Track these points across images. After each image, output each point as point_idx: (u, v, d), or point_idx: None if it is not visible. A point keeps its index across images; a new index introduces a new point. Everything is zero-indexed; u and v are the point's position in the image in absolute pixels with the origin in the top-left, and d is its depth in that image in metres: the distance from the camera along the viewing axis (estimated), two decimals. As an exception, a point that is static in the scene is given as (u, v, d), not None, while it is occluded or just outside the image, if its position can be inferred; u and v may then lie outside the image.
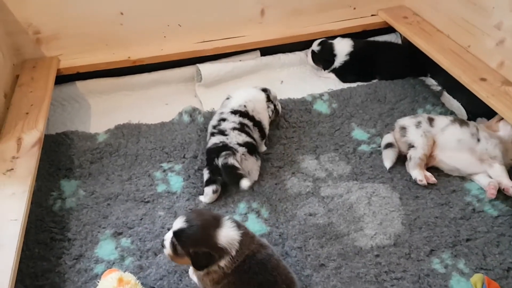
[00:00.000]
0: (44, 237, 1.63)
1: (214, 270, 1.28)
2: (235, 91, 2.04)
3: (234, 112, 1.91)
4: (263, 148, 2.00)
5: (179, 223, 1.30)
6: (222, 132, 1.84)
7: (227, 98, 2.02)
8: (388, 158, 1.89)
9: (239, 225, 1.33)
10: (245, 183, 1.69)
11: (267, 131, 1.99)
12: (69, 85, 2.34)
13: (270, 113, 2.02)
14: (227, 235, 1.28)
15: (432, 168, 1.88)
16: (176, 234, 1.29)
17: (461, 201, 1.74)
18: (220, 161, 1.74)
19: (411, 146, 1.88)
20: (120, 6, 2.24)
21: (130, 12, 2.27)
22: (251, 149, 1.82)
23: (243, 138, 1.82)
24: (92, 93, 2.37)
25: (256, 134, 1.90)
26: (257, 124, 1.92)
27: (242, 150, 1.79)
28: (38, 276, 1.51)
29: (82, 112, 2.29)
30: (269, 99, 2.04)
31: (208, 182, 1.77)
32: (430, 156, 1.86)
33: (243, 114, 1.90)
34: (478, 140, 1.81)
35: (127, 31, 2.32)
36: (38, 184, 1.79)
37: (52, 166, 1.91)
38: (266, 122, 1.98)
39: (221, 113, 1.93)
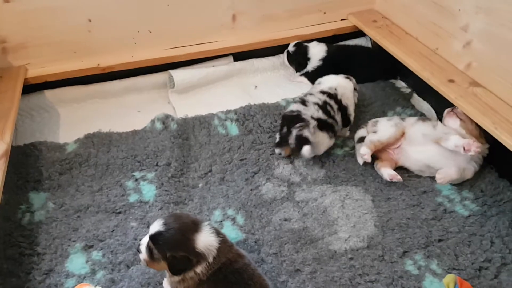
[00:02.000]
0: (12, 252, 1.58)
1: (190, 276, 1.26)
2: (326, 77, 2.17)
3: (323, 92, 2.04)
4: (346, 133, 2.13)
5: (156, 226, 1.27)
6: (303, 102, 2.00)
7: (319, 83, 2.16)
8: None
9: (218, 232, 1.31)
10: (306, 149, 1.84)
11: (352, 118, 2.11)
12: (38, 94, 2.28)
13: (356, 100, 2.16)
14: (206, 240, 1.27)
15: (402, 169, 1.90)
16: (153, 237, 1.27)
17: (432, 202, 1.76)
18: (295, 132, 1.88)
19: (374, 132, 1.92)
20: (87, 13, 2.20)
21: (98, 19, 2.23)
22: (325, 126, 1.93)
23: (320, 114, 1.94)
24: (62, 102, 2.32)
25: (338, 117, 2.01)
26: (343, 109, 2.04)
27: (313, 123, 1.90)
28: (6, 293, 1.46)
29: (52, 121, 2.24)
30: (355, 88, 2.17)
31: (277, 145, 1.98)
32: (397, 148, 1.90)
33: (331, 95, 2.03)
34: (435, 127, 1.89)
35: (95, 38, 2.28)
36: (6, 198, 1.74)
37: (20, 178, 1.86)
38: (351, 109, 2.10)
39: (311, 93, 2.07)
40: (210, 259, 1.25)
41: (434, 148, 1.83)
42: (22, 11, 2.10)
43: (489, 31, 1.83)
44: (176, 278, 1.28)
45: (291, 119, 1.94)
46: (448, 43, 2.05)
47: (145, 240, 1.30)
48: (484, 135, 1.84)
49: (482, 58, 1.89)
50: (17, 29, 2.15)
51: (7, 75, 2.17)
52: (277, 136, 2.01)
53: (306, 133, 1.87)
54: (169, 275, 1.31)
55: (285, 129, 1.94)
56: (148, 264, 1.32)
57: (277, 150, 2.00)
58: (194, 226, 1.28)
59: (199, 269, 1.25)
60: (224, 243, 1.30)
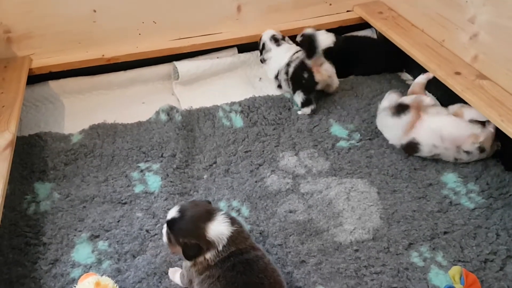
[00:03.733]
0: (18, 242, 1.58)
1: (199, 261, 1.29)
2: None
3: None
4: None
5: (172, 213, 1.32)
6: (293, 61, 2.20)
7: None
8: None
9: (233, 222, 1.32)
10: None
11: None
12: (42, 85, 2.28)
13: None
14: (217, 229, 1.28)
15: (412, 159, 1.90)
16: (169, 223, 1.32)
17: (438, 194, 1.76)
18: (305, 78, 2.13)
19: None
20: (93, 4, 2.19)
21: (103, 9, 2.22)
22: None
23: None
24: (66, 92, 2.31)
25: None
26: None
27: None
28: (13, 282, 1.46)
29: (56, 112, 2.24)
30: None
31: (304, 104, 2.14)
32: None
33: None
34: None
35: (100, 29, 2.27)
36: (11, 188, 1.74)
37: (25, 168, 1.86)
38: None
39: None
40: (220, 247, 1.27)
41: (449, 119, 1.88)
42: (27, 1, 2.09)
43: (496, 23, 1.81)
44: (189, 262, 1.32)
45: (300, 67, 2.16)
46: (454, 35, 2.04)
47: (165, 225, 1.36)
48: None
49: (489, 51, 1.87)
50: (22, 19, 2.14)
51: (11, 65, 2.17)
52: (299, 95, 2.16)
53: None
54: (183, 259, 1.33)
55: (304, 77, 2.14)
56: (169, 247, 1.39)
57: (305, 110, 2.16)
58: (207, 215, 1.31)
59: (208, 255, 1.28)
60: (238, 233, 1.31)
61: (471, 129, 1.81)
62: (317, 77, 2.13)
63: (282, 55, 2.30)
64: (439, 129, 1.84)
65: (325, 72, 2.15)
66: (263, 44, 2.38)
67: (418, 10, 2.27)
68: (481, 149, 1.82)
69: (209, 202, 1.42)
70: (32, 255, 1.55)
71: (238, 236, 1.30)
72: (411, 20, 2.35)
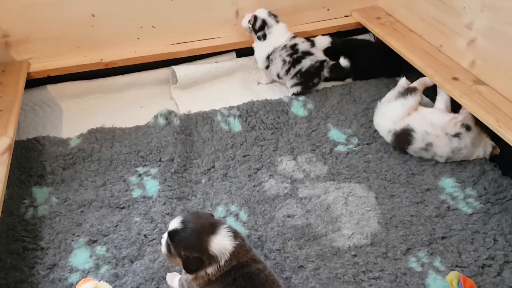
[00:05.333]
0: (16, 247, 1.58)
1: (201, 275, 1.27)
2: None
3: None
4: None
5: (174, 224, 1.29)
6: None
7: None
8: None
9: (236, 236, 1.31)
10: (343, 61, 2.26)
11: None
12: (40, 89, 2.28)
13: None
14: (220, 243, 1.26)
15: (410, 163, 1.90)
16: (170, 234, 1.28)
17: (436, 199, 1.76)
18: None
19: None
20: (91, 8, 2.20)
21: (102, 13, 2.23)
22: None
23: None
24: (64, 97, 2.31)
25: None
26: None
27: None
28: (10, 287, 1.46)
29: (54, 116, 2.24)
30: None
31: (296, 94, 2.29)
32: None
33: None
34: None
35: (99, 33, 2.28)
36: (9, 192, 1.74)
37: (23, 173, 1.86)
38: None
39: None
40: (222, 262, 1.25)
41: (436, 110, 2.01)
42: (26, 5, 2.10)
43: (493, 29, 1.82)
44: (190, 276, 1.29)
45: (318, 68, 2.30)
46: (452, 40, 2.05)
47: (166, 234, 1.32)
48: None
49: (487, 56, 1.88)
50: (20, 23, 2.14)
51: (10, 69, 2.17)
52: (297, 89, 2.31)
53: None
54: (184, 272, 1.31)
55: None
56: (168, 258, 1.35)
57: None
58: (211, 228, 1.28)
59: (209, 269, 1.26)
60: (240, 247, 1.29)
61: (450, 115, 1.94)
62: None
63: (282, 33, 2.35)
64: (430, 117, 1.92)
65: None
66: (263, 21, 2.34)
67: (416, 15, 2.28)
68: (467, 127, 1.86)
69: (212, 215, 1.38)
70: (30, 260, 1.55)
71: (240, 250, 1.28)
72: (409, 26, 2.36)
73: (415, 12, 2.29)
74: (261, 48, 2.38)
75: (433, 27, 2.16)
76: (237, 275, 1.26)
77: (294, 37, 2.34)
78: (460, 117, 1.90)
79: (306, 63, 2.28)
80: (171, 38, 2.42)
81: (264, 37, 2.35)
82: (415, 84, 2.07)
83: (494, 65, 1.85)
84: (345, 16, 2.64)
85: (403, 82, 2.16)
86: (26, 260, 1.55)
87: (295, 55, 2.29)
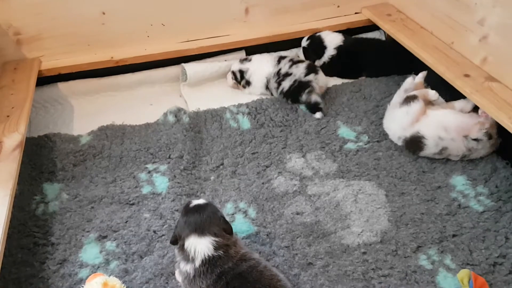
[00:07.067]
0: (27, 242, 1.60)
1: (183, 271, 1.33)
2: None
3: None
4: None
5: (199, 201, 1.41)
6: (287, 75, 2.23)
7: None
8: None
9: (219, 247, 1.32)
10: (318, 115, 2.15)
11: None
12: (51, 86, 2.30)
13: None
14: (197, 245, 1.32)
15: (421, 161, 1.89)
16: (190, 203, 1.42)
17: (447, 197, 1.74)
18: (303, 98, 2.18)
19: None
20: (102, 6, 2.21)
21: (112, 11, 2.24)
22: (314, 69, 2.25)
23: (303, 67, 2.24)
24: (75, 94, 2.33)
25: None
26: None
27: (312, 77, 2.20)
28: (21, 282, 1.48)
29: (65, 113, 2.26)
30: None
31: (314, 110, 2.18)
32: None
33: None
34: None
35: (109, 31, 2.29)
36: (20, 188, 1.75)
37: (34, 169, 1.88)
38: None
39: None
40: (196, 264, 1.30)
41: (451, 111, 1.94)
42: (37, 3, 2.11)
43: (506, 24, 1.80)
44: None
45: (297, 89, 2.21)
46: (464, 37, 2.03)
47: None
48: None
49: (499, 53, 1.86)
50: (32, 21, 2.16)
51: (21, 67, 2.19)
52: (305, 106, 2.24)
53: (314, 98, 2.18)
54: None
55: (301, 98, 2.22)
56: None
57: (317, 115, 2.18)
58: (200, 228, 1.35)
59: (187, 267, 1.31)
60: (219, 258, 1.30)
61: (477, 118, 1.87)
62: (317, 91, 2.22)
63: (264, 62, 2.35)
64: (442, 121, 1.87)
65: (322, 85, 2.29)
66: (239, 71, 2.36)
67: (427, 12, 2.26)
68: (489, 136, 1.83)
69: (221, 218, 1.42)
70: (41, 255, 1.56)
71: (220, 259, 1.30)
72: (420, 22, 2.34)
73: (426, 9, 2.26)
74: (254, 88, 2.37)
75: (444, 24, 2.14)
76: (228, 278, 1.26)
77: (279, 61, 2.33)
78: (487, 123, 1.84)
79: (285, 84, 2.23)
80: (180, 36, 2.43)
81: (248, 83, 2.36)
82: (415, 92, 2.01)
83: (506, 61, 1.82)
84: (355, 13, 2.62)
85: (408, 83, 2.10)
86: (37, 255, 1.56)
87: (278, 79, 2.26)
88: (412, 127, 1.90)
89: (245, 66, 2.35)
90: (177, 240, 1.35)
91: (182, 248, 1.33)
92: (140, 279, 1.48)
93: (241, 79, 2.37)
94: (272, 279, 1.28)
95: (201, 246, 1.30)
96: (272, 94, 2.35)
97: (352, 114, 2.17)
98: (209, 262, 1.28)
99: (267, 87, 2.34)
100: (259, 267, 1.29)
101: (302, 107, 2.21)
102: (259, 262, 1.32)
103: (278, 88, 2.26)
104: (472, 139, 1.83)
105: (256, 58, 2.38)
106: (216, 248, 1.30)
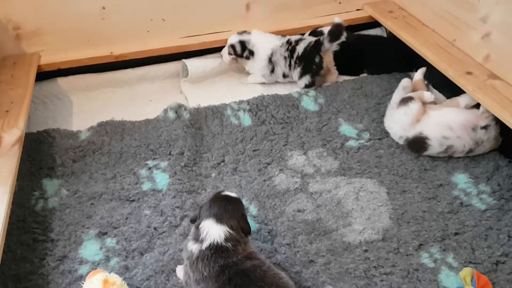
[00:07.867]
0: (26, 238, 1.59)
1: (188, 249, 1.34)
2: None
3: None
4: None
5: (231, 193, 1.47)
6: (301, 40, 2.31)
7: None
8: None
9: (229, 239, 1.33)
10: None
11: None
12: (51, 81, 2.28)
13: None
14: (211, 228, 1.33)
15: (423, 159, 1.88)
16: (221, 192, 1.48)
17: (449, 195, 1.74)
18: (326, 47, 2.25)
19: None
20: (101, 0, 2.19)
21: (112, 6, 2.22)
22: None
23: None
24: (74, 89, 2.31)
25: None
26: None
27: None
28: (20, 278, 1.46)
29: (64, 109, 2.24)
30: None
31: (308, 86, 2.29)
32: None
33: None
34: None
35: (109, 26, 2.27)
36: (20, 184, 1.74)
37: (33, 165, 1.86)
38: None
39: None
40: (203, 246, 1.30)
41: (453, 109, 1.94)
42: (37, -3, 2.10)
43: (509, 22, 1.79)
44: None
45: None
46: (466, 34, 2.02)
47: None
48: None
49: (501, 50, 1.85)
50: (31, 15, 2.14)
51: (20, 62, 2.17)
52: (307, 79, 2.29)
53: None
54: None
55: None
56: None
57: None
58: (220, 216, 1.37)
59: (194, 246, 1.32)
60: (227, 249, 1.31)
61: (479, 110, 1.89)
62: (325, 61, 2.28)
63: (266, 37, 2.36)
64: (446, 120, 1.86)
65: (328, 58, 2.32)
66: (240, 42, 2.32)
67: (429, 9, 2.25)
68: (496, 120, 1.82)
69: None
70: (40, 251, 1.55)
71: (228, 250, 1.31)
72: (422, 19, 2.33)
73: (428, 6, 2.25)
74: (256, 61, 2.35)
75: (446, 21, 2.13)
76: (231, 274, 1.25)
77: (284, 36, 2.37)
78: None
79: (300, 47, 2.27)
80: (181, 31, 2.41)
81: (251, 53, 2.33)
82: (411, 94, 2.00)
83: (509, 59, 1.81)
84: (357, 10, 2.61)
85: (405, 81, 2.09)
86: (36, 251, 1.55)
87: (289, 47, 2.29)
88: (413, 128, 1.89)
89: (246, 37, 2.33)
90: (196, 219, 1.38)
91: (197, 227, 1.35)
92: (140, 276, 1.47)
93: (242, 51, 2.32)
94: (274, 277, 1.27)
95: (214, 231, 1.31)
96: (271, 72, 2.35)
97: (353, 111, 2.16)
98: (215, 249, 1.28)
99: (270, 60, 2.32)
100: (264, 267, 1.29)
101: (304, 103, 2.20)
102: (264, 262, 1.32)
103: (289, 57, 2.29)
104: (481, 128, 1.83)
105: (255, 31, 2.37)
106: (226, 240, 1.30)
